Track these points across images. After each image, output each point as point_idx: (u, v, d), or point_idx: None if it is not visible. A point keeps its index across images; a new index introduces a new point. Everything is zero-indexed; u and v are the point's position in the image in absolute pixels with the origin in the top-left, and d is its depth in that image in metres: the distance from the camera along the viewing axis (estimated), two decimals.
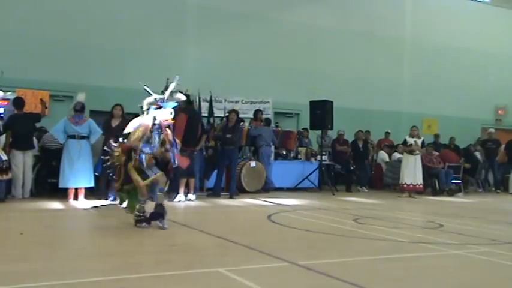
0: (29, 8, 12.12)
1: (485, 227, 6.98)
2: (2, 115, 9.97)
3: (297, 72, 14.76)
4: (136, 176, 5.56)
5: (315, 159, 12.31)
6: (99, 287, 3.39)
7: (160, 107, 5.63)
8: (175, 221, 6.28)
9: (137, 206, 5.80)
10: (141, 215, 5.79)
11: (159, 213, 5.68)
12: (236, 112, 10.35)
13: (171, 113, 5.64)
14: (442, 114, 16.30)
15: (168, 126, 5.66)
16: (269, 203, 9.10)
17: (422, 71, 17.05)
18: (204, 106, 11.25)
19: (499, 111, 18.77)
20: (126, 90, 11.81)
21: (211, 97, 11.43)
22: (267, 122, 11.98)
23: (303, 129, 13.63)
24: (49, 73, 11.78)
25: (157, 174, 5.63)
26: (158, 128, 5.57)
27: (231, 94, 12.61)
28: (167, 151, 5.60)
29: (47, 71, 11.80)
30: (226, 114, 10.58)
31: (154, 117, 5.60)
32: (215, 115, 11.41)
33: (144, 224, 5.74)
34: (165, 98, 5.70)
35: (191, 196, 8.92)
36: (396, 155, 13.08)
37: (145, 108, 5.79)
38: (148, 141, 5.56)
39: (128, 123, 9.00)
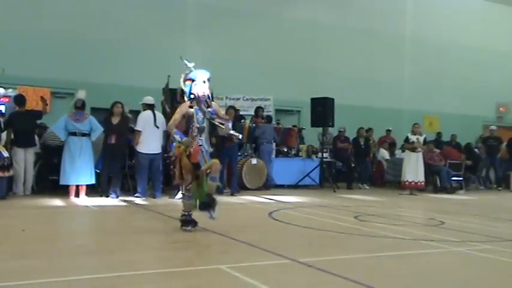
0: (30, 6, 12.12)
1: (486, 224, 6.97)
2: (3, 112, 9.99)
3: (298, 70, 14.76)
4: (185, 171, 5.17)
5: (316, 157, 12.30)
6: (100, 284, 3.39)
7: (192, 81, 5.25)
8: (177, 218, 6.28)
9: (184, 205, 5.36)
10: (187, 214, 5.35)
11: (208, 203, 5.20)
12: (234, 108, 10.34)
13: (205, 81, 5.27)
14: (443, 111, 16.29)
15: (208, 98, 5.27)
16: (270, 200, 9.10)
17: (423, 68, 17.03)
18: None
19: (501, 109, 18.76)
20: (126, 88, 11.85)
21: (212, 94, 11.40)
22: (268, 119, 11.97)
23: (293, 126, 13.48)
24: (50, 70, 11.79)
25: (210, 162, 5.16)
26: (195, 102, 5.18)
27: (232, 91, 12.60)
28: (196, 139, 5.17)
29: (47, 68, 11.81)
30: None
31: (190, 94, 5.23)
32: None
33: (189, 227, 5.30)
34: (191, 69, 5.33)
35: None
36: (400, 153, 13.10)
37: (182, 85, 5.36)
38: (187, 127, 5.21)
39: (128, 120, 9.09)
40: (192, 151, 5.13)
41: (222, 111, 5.49)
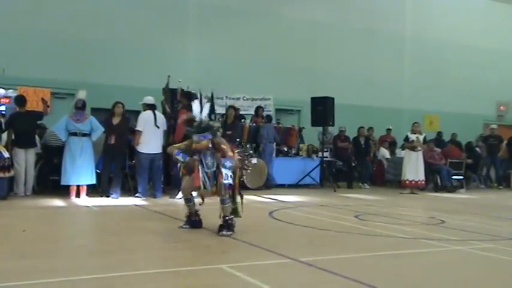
0: (30, 6, 12.12)
1: (487, 223, 6.97)
2: (3, 112, 9.99)
3: (298, 69, 14.75)
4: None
5: (317, 156, 12.30)
6: (101, 284, 3.39)
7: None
8: (177, 218, 6.29)
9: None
10: (187, 214, 5.56)
11: (222, 225, 5.19)
12: (234, 108, 10.34)
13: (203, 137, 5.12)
14: (443, 110, 16.27)
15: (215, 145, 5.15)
16: (270, 200, 9.10)
17: (423, 67, 17.03)
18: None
19: (501, 107, 18.76)
20: (126, 88, 11.86)
21: (212, 94, 11.43)
22: (268, 118, 11.97)
23: (293, 125, 13.44)
24: (50, 71, 11.79)
25: (213, 187, 5.19)
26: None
27: (232, 91, 12.61)
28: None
29: (48, 68, 11.81)
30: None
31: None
32: (216, 112, 11.42)
33: (184, 224, 5.55)
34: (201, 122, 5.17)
35: (192, 193, 8.91)
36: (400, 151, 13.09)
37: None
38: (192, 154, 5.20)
39: (129, 120, 9.08)
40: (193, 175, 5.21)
41: (230, 152, 5.20)
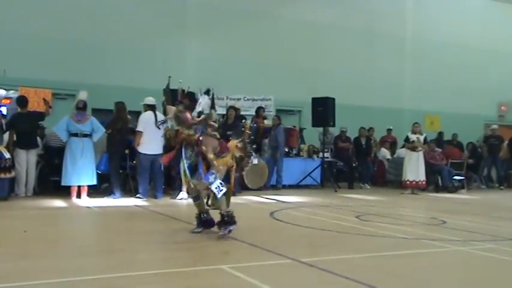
0: (31, 7, 12.12)
1: (488, 223, 6.96)
2: (3, 113, 10.00)
3: (299, 70, 14.75)
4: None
5: (317, 156, 12.31)
6: (101, 285, 3.39)
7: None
8: (178, 218, 6.30)
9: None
10: (197, 215, 5.34)
11: (220, 222, 5.05)
12: (235, 109, 10.34)
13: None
14: (444, 110, 16.25)
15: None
16: (271, 200, 9.10)
17: (424, 67, 17.02)
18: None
19: (502, 107, 18.74)
20: (127, 88, 11.85)
21: (213, 95, 11.39)
22: (279, 119, 11.90)
23: (293, 126, 13.47)
24: (51, 72, 11.78)
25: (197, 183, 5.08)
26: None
27: (232, 92, 12.60)
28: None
29: (49, 69, 11.81)
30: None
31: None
32: (217, 113, 11.41)
33: (197, 228, 5.31)
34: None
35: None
36: (402, 152, 13.07)
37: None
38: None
39: (126, 120, 9.06)
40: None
41: (214, 161, 4.96)
